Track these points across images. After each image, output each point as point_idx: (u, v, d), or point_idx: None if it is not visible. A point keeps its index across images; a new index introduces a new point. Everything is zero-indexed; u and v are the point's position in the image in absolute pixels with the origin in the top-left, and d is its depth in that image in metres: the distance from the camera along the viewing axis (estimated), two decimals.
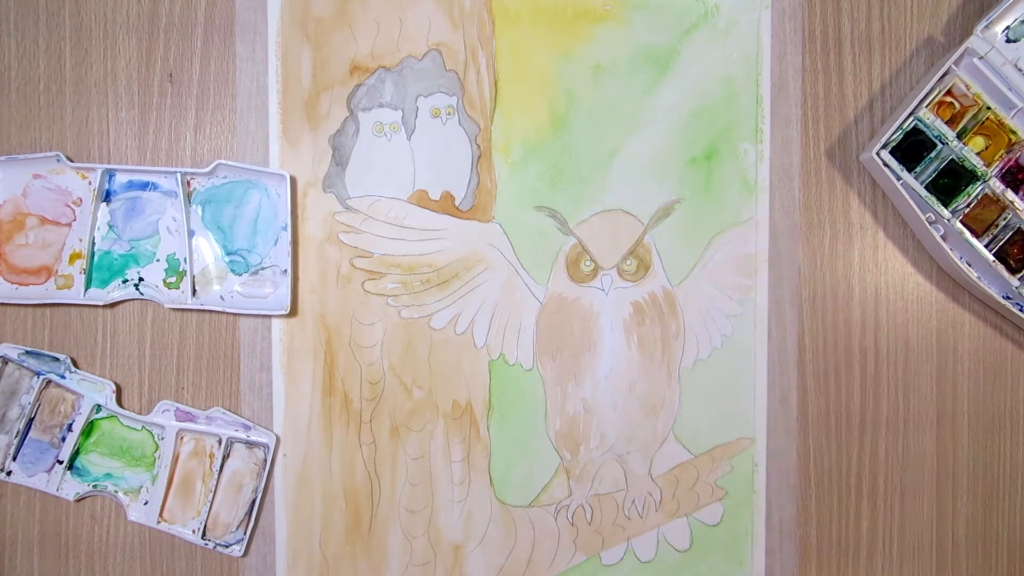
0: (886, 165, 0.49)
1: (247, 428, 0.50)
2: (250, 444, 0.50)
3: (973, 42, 0.48)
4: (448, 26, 0.51)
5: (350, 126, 0.50)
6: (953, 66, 0.49)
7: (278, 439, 0.50)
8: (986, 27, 0.48)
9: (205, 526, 0.49)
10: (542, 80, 0.51)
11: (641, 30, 0.51)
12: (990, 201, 0.49)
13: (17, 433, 0.49)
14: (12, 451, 0.49)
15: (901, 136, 0.49)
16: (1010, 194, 0.49)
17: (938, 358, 0.53)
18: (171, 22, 0.50)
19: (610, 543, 0.51)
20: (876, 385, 0.53)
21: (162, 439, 0.50)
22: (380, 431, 0.50)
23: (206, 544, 0.49)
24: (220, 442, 0.50)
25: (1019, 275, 0.49)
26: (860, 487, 0.52)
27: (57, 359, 0.49)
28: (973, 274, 0.49)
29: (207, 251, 0.50)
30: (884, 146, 0.49)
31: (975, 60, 0.49)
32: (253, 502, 0.49)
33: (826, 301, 0.52)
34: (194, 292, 0.50)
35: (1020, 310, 0.50)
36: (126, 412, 0.49)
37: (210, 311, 0.50)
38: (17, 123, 0.50)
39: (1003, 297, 0.49)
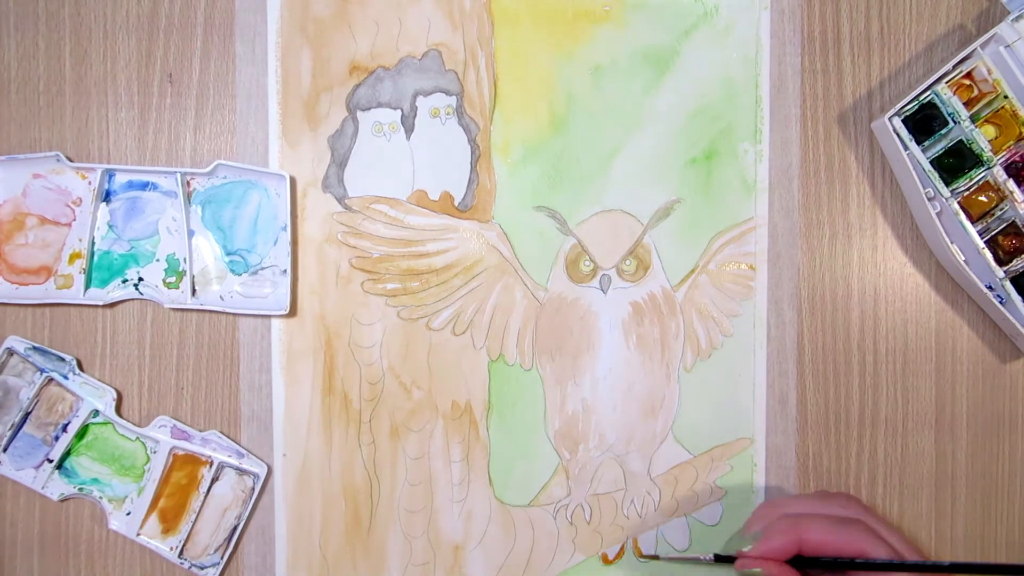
0: (896, 133, 0.49)
1: (240, 455, 0.49)
2: (240, 471, 0.50)
3: (1002, 28, 0.48)
4: (448, 26, 0.51)
5: (349, 126, 0.50)
6: (979, 49, 0.49)
7: (270, 470, 0.50)
8: (1017, 18, 0.48)
9: (184, 545, 0.49)
10: (542, 80, 0.51)
11: (641, 31, 0.51)
12: (990, 188, 0.49)
13: (12, 425, 0.49)
14: (4, 443, 0.49)
15: (916, 107, 0.50)
16: (1011, 184, 0.49)
17: (937, 359, 0.53)
18: (171, 22, 0.50)
19: (609, 543, 0.51)
20: (875, 385, 0.53)
21: (154, 452, 0.49)
22: (380, 431, 0.51)
23: (181, 563, 0.49)
24: (211, 465, 0.49)
25: (1005, 267, 0.49)
26: (859, 487, 0.53)
27: (63, 359, 0.49)
28: (960, 257, 0.49)
29: (207, 251, 0.50)
30: (897, 113, 0.49)
31: (1001, 48, 0.49)
32: (235, 528, 0.49)
33: (825, 301, 0.53)
34: (194, 292, 0.50)
35: (1001, 302, 0.50)
36: (122, 421, 0.49)
37: (210, 311, 0.50)
38: (17, 123, 0.50)
39: (986, 287, 0.49)
